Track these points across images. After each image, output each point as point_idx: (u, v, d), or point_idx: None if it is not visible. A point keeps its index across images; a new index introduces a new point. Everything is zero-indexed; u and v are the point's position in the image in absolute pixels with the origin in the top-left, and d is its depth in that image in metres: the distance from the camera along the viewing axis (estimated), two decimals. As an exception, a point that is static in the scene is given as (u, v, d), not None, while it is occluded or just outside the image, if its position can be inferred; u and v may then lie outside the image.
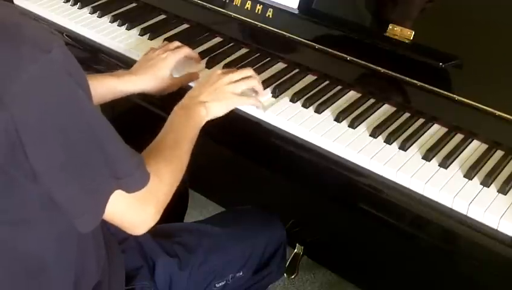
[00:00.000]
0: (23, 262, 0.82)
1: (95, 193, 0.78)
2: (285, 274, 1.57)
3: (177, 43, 1.26)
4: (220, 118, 1.20)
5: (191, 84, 1.23)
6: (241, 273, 1.17)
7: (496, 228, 0.93)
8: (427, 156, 1.04)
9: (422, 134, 1.09)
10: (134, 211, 0.86)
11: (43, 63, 0.68)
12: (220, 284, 1.15)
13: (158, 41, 1.36)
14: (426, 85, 1.11)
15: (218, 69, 1.19)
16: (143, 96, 1.23)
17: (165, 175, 0.92)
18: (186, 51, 1.25)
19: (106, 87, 1.14)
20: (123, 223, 0.87)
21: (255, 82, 1.16)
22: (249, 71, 1.17)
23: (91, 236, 0.91)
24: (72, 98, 0.72)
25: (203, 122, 1.08)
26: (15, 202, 0.76)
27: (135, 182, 0.82)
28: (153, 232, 1.11)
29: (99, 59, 1.38)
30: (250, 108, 1.16)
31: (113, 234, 1.07)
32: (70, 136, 0.72)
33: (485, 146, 1.07)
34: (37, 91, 0.68)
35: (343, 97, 1.19)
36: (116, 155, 0.79)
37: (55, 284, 0.86)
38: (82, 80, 0.75)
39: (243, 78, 1.14)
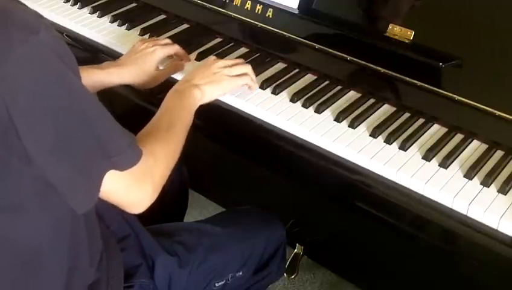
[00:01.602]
0: (16, 250, 0.82)
1: (88, 173, 0.79)
2: (285, 274, 1.57)
3: (166, 40, 1.27)
4: (220, 117, 1.20)
5: (177, 77, 1.24)
6: (240, 273, 1.17)
7: (495, 228, 0.93)
8: (427, 156, 1.04)
9: (422, 134, 1.09)
10: (131, 189, 0.87)
11: (32, 44, 0.69)
12: (220, 283, 1.15)
13: (158, 41, 1.36)
14: (426, 85, 1.11)
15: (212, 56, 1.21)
16: (142, 95, 1.24)
17: (160, 155, 0.93)
18: (176, 48, 1.26)
19: (92, 79, 1.15)
20: (121, 201, 0.88)
21: (249, 68, 1.18)
22: (241, 60, 1.19)
23: (84, 228, 0.91)
24: (61, 79, 0.73)
25: (198, 105, 1.09)
26: (9, 187, 0.76)
27: (127, 159, 0.83)
28: (153, 231, 1.12)
29: (99, 59, 1.38)
30: (251, 108, 1.16)
31: (112, 233, 1.07)
32: (61, 117, 0.73)
33: (485, 146, 1.07)
34: (26, 72, 0.69)
35: (343, 97, 1.19)
36: (108, 134, 0.80)
37: (48, 273, 0.87)
38: (71, 61, 0.76)
39: (237, 64, 1.17)
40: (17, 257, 0.83)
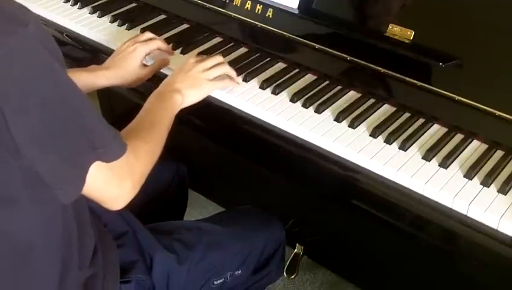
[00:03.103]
0: (8, 243, 0.83)
1: (74, 163, 0.80)
2: (285, 274, 1.57)
3: (147, 35, 1.28)
4: (220, 117, 1.20)
5: (165, 71, 1.25)
6: (239, 272, 1.17)
7: (495, 228, 0.93)
8: (427, 156, 1.04)
9: (422, 134, 1.09)
10: (111, 185, 0.88)
11: (20, 36, 0.70)
12: (219, 281, 1.15)
13: (158, 41, 1.36)
14: (426, 85, 1.11)
15: (192, 57, 1.21)
16: (142, 95, 1.24)
17: (141, 153, 0.94)
18: (157, 43, 1.27)
19: (79, 82, 1.15)
20: (101, 196, 0.89)
21: (228, 68, 1.19)
22: (220, 58, 1.20)
23: (74, 224, 0.91)
24: (50, 70, 0.74)
25: (179, 109, 1.11)
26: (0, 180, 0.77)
27: (113, 151, 0.85)
28: (152, 229, 1.12)
29: (99, 59, 1.38)
30: (251, 108, 1.16)
31: (110, 231, 1.08)
32: (49, 107, 0.74)
33: (485, 146, 1.07)
34: (17, 64, 0.70)
35: (343, 97, 1.19)
36: (93, 126, 0.81)
37: (41, 267, 0.88)
38: (58, 53, 0.77)
39: (215, 65, 1.18)
40: (9, 250, 0.84)
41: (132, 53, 1.22)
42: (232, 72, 1.20)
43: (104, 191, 0.88)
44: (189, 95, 1.13)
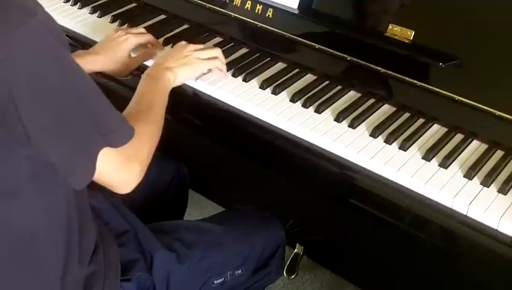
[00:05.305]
0: (12, 234, 0.84)
1: (85, 149, 0.82)
2: (285, 274, 1.57)
3: (139, 29, 1.31)
4: (220, 117, 1.20)
5: (149, 63, 1.26)
6: (239, 271, 1.17)
7: (495, 228, 0.93)
8: (427, 156, 1.04)
9: (422, 134, 1.09)
10: (120, 169, 0.90)
11: (30, 25, 0.72)
12: (219, 281, 1.15)
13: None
14: (426, 85, 1.11)
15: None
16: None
17: (144, 135, 0.95)
18: (148, 37, 1.30)
19: None
20: (111, 181, 0.91)
21: (219, 52, 1.21)
22: (210, 45, 1.23)
23: (76, 219, 0.92)
24: (59, 58, 0.76)
25: (171, 87, 1.12)
26: (6, 171, 0.79)
27: (121, 136, 0.87)
28: (153, 228, 1.12)
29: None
30: (251, 108, 1.16)
31: (111, 229, 1.08)
32: (59, 94, 0.76)
33: (485, 146, 1.07)
34: (28, 53, 0.72)
35: (343, 97, 1.19)
36: (102, 112, 0.83)
37: (45, 260, 0.88)
38: (64, 41, 0.80)
39: (206, 48, 1.21)
40: (13, 241, 0.85)
41: (124, 42, 1.24)
42: (222, 57, 1.21)
43: (114, 176, 0.90)
44: (180, 74, 1.14)
